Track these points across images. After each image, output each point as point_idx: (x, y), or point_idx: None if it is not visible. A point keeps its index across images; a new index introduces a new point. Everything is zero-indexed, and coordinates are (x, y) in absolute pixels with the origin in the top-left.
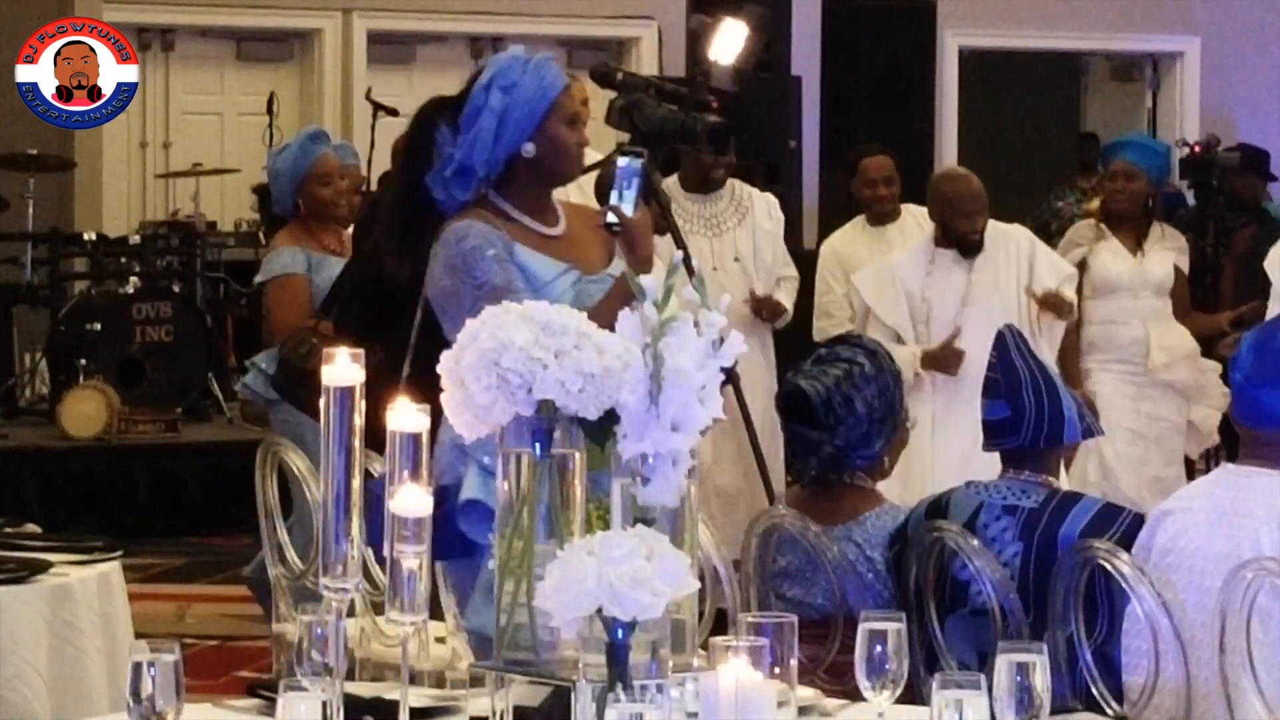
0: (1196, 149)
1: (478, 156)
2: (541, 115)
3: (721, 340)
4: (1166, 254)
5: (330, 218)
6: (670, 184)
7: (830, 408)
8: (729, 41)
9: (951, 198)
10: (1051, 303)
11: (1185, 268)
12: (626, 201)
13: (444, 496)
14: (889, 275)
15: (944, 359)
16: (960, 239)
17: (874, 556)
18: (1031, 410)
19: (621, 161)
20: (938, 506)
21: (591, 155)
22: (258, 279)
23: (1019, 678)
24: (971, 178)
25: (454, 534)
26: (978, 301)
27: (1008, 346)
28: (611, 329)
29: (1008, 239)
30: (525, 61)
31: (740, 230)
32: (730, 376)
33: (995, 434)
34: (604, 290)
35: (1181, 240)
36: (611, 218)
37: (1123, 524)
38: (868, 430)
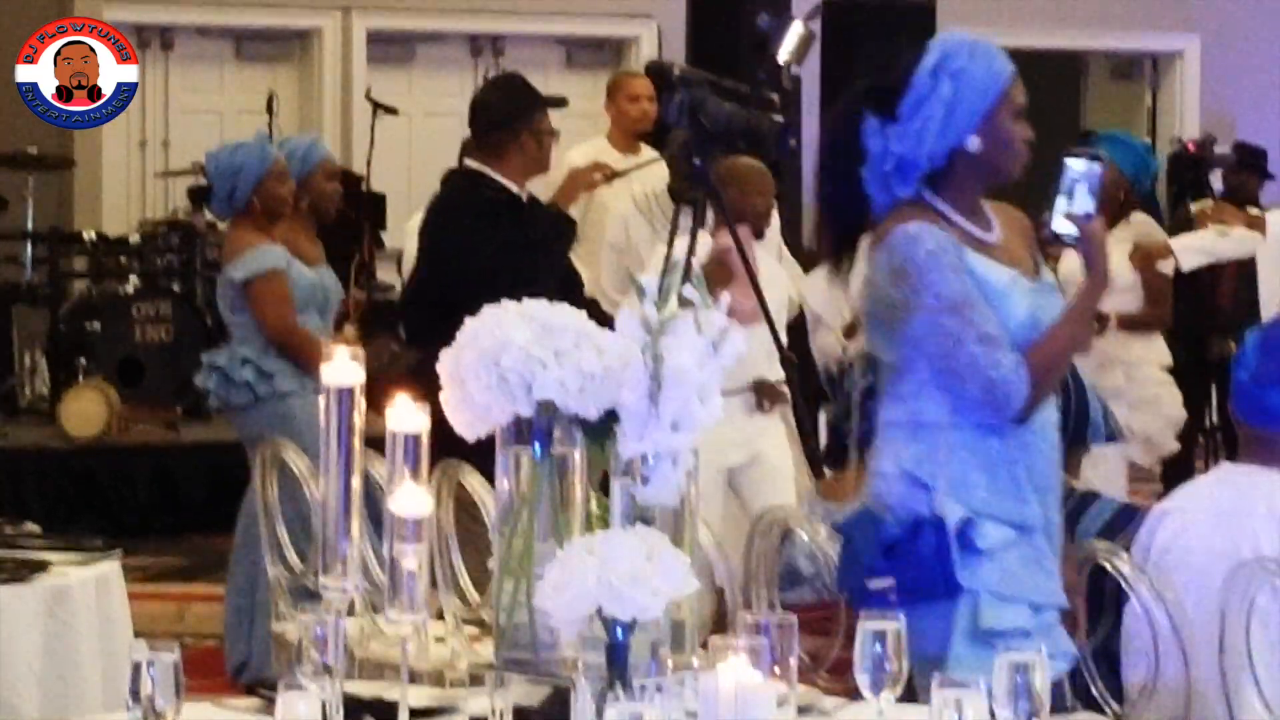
0: (1191, 147)
1: (923, 149)
2: (990, 106)
3: (721, 340)
4: (1116, 245)
5: (280, 215)
6: (659, 193)
7: (831, 384)
8: (795, 43)
9: None
10: None
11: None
12: (1084, 209)
13: (915, 533)
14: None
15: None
16: None
17: None
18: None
19: (1075, 165)
20: None
21: (648, 153)
22: (239, 276)
23: (1019, 678)
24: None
25: (936, 571)
26: None
27: None
28: (1068, 357)
29: None
30: (973, 45)
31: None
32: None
33: None
34: (1052, 302)
35: (1147, 228)
36: (1063, 227)
37: (1139, 525)
38: (850, 405)
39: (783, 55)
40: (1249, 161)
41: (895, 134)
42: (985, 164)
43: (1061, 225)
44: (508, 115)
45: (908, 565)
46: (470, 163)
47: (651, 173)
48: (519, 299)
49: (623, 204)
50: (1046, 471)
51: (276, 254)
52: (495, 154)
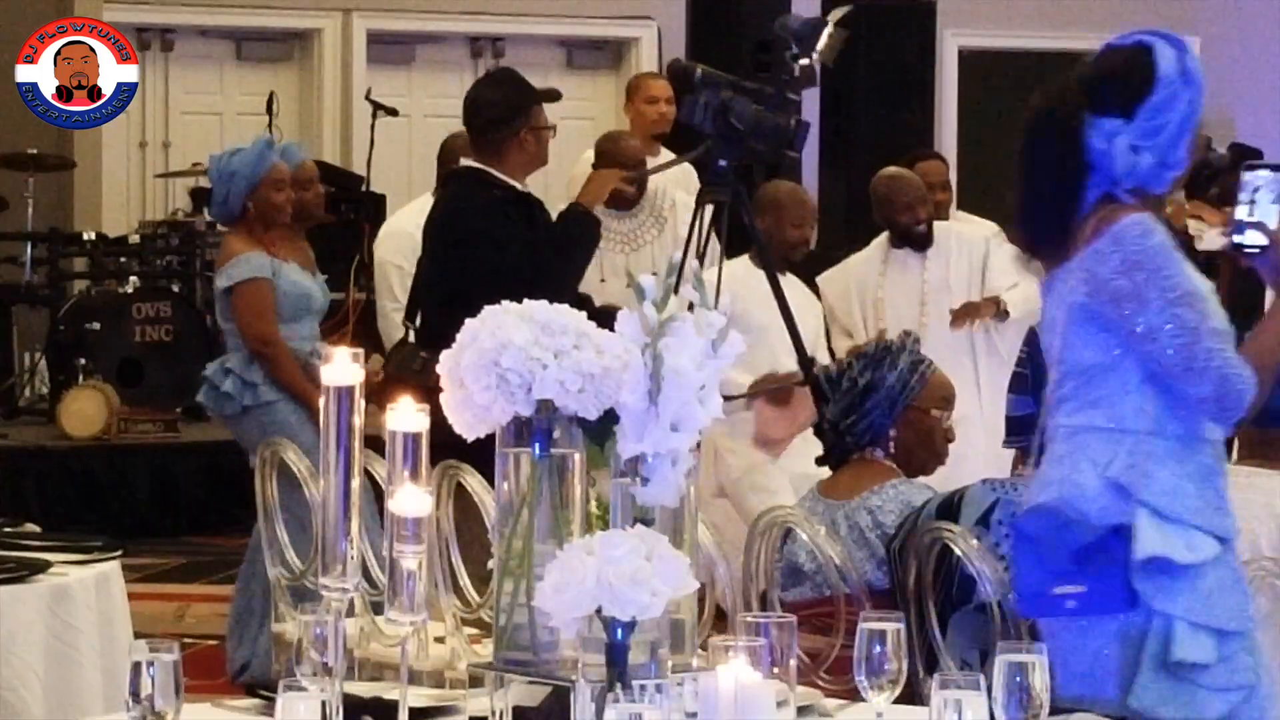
0: None
1: (1176, 151)
2: (1199, 115)
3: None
4: None
5: (276, 223)
6: None
7: (830, 383)
8: (827, 43)
9: (886, 195)
10: (965, 313)
11: None
12: (1270, 217)
13: (1107, 541)
14: (846, 276)
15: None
16: (905, 233)
17: (886, 523)
18: None
19: (1258, 175)
20: (950, 503)
21: (666, 154)
22: (222, 283)
23: (1018, 678)
24: (905, 172)
25: (1118, 583)
26: (932, 300)
27: (1038, 345)
28: (1277, 361)
29: (962, 238)
30: (1192, 54)
31: (658, 244)
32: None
33: (1018, 430)
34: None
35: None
36: (1247, 238)
37: None
38: (851, 402)
39: (814, 55)
40: (1244, 161)
41: (1139, 131)
42: (1182, 173)
43: (1245, 236)
44: (508, 112)
45: (1094, 574)
46: (469, 162)
47: (670, 174)
48: (545, 299)
49: (572, 187)
50: (1227, 486)
51: (261, 262)
52: (495, 152)
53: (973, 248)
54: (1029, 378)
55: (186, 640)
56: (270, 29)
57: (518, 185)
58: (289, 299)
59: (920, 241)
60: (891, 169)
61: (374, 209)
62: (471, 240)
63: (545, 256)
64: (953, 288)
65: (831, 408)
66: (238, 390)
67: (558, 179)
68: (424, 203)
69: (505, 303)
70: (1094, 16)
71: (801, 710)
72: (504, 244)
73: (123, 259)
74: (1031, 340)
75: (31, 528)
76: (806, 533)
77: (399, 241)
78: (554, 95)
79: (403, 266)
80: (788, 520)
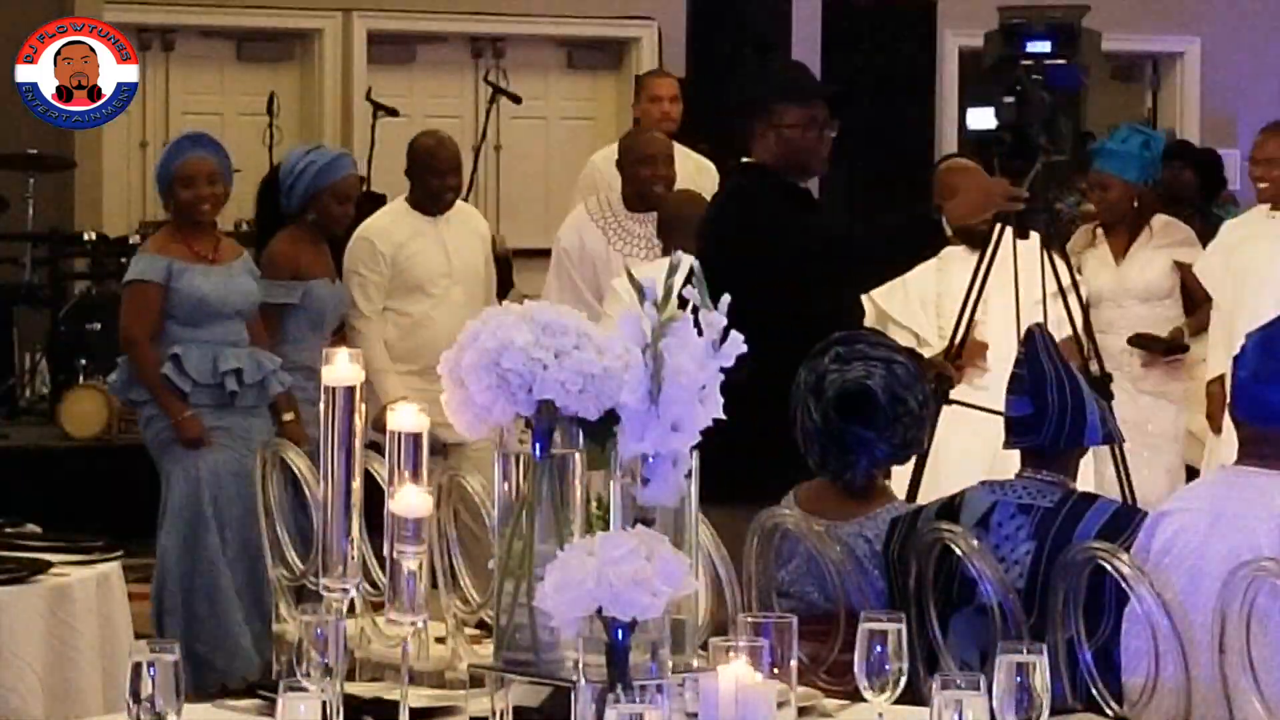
0: None
1: None
2: None
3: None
4: (1155, 254)
5: (195, 220)
6: (614, 201)
7: (889, 406)
8: (1093, 43)
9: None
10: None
11: (1192, 259)
12: None
13: None
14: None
15: (970, 354)
16: (969, 231)
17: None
18: (1054, 410)
19: None
20: (951, 504)
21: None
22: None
23: (1019, 678)
24: (977, 169)
25: None
26: (994, 296)
27: (1036, 346)
28: None
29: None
30: None
31: None
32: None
33: (1016, 431)
34: None
35: (1183, 233)
36: None
37: (1138, 527)
38: (919, 431)
39: (1077, 60)
40: (1185, 157)
41: None
42: None
43: None
44: (742, 105)
45: None
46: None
47: (697, 182)
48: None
49: (575, 212)
50: None
51: (149, 263)
52: (749, 142)
53: (1035, 238)
54: (1026, 379)
55: None
56: (270, 29)
57: (793, 181)
58: (187, 303)
59: (981, 240)
60: (961, 161)
61: (374, 210)
62: (761, 229)
63: (869, 242)
64: (1022, 282)
65: (895, 433)
66: (121, 385)
67: (560, 180)
68: (393, 208)
69: (534, 302)
70: (1094, 17)
71: (802, 710)
72: (804, 229)
73: (123, 259)
74: (1029, 342)
75: (32, 528)
76: (801, 536)
77: (358, 248)
78: (825, 90)
79: (361, 273)
80: (785, 523)
